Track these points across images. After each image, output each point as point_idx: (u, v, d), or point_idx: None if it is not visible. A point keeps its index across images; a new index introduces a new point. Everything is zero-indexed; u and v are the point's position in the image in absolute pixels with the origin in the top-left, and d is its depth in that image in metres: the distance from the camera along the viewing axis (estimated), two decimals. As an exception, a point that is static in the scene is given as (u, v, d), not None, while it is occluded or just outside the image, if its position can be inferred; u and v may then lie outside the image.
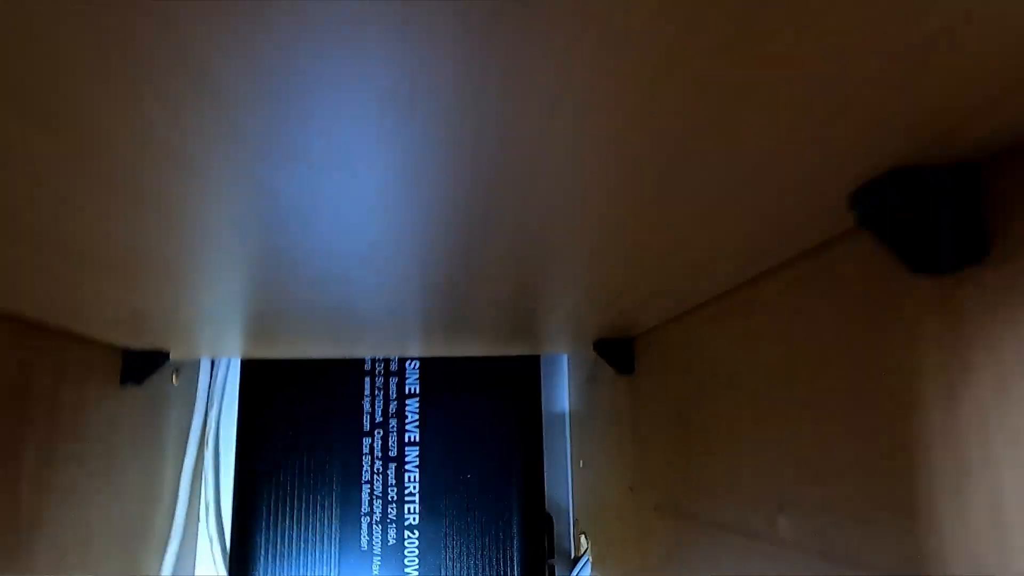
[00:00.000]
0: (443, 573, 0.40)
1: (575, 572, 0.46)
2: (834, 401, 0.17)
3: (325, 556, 0.40)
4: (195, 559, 0.47)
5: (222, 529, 0.46)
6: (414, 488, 0.41)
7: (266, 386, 0.42)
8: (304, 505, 0.40)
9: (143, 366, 0.35)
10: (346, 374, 0.42)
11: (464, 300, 0.27)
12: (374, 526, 0.40)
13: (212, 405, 0.46)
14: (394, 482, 0.41)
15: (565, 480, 0.52)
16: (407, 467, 0.41)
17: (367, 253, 0.19)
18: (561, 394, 0.53)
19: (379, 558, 0.40)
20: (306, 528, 0.40)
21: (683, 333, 0.29)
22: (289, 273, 0.21)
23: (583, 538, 0.47)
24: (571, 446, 0.52)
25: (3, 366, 0.26)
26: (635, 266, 0.21)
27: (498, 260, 0.20)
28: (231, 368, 0.46)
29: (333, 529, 0.40)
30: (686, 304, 0.27)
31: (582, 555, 0.46)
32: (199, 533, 0.47)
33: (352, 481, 0.41)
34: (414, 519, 0.41)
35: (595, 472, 0.45)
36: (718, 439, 0.25)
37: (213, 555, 0.46)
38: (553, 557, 0.44)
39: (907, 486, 0.15)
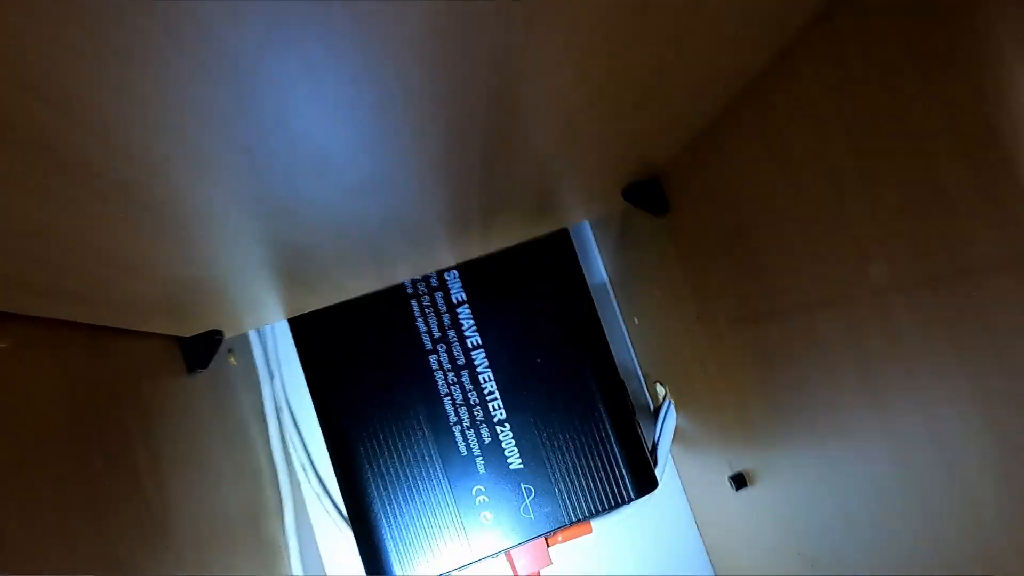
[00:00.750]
0: (544, 454, 0.42)
1: (661, 420, 0.47)
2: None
3: (432, 472, 0.41)
4: (310, 520, 0.49)
5: (325, 486, 0.48)
6: (492, 387, 0.42)
7: (321, 338, 0.42)
8: (395, 434, 0.41)
9: (202, 350, 0.35)
10: (391, 303, 0.43)
11: (498, 182, 0.27)
12: (467, 431, 0.42)
13: (273, 374, 0.47)
14: (471, 387, 0.42)
15: (624, 343, 0.53)
16: (479, 369, 0.42)
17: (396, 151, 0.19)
18: (594, 264, 0.53)
19: (481, 458, 0.42)
20: (405, 454, 0.41)
21: (713, 154, 0.29)
22: (318, 191, 0.21)
23: (658, 387, 0.49)
24: (619, 309, 0.53)
25: (94, 372, 0.26)
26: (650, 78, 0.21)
27: (527, 130, 0.20)
28: (279, 335, 0.46)
29: (430, 447, 0.41)
30: (705, 122, 0.27)
31: (662, 403, 0.48)
32: (305, 495, 0.49)
33: (432, 398, 0.42)
34: (501, 414, 0.42)
35: (652, 321, 0.46)
36: (778, 235, 0.25)
37: (326, 509, 0.47)
38: (635, 415, 0.45)
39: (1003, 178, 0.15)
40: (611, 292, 0.53)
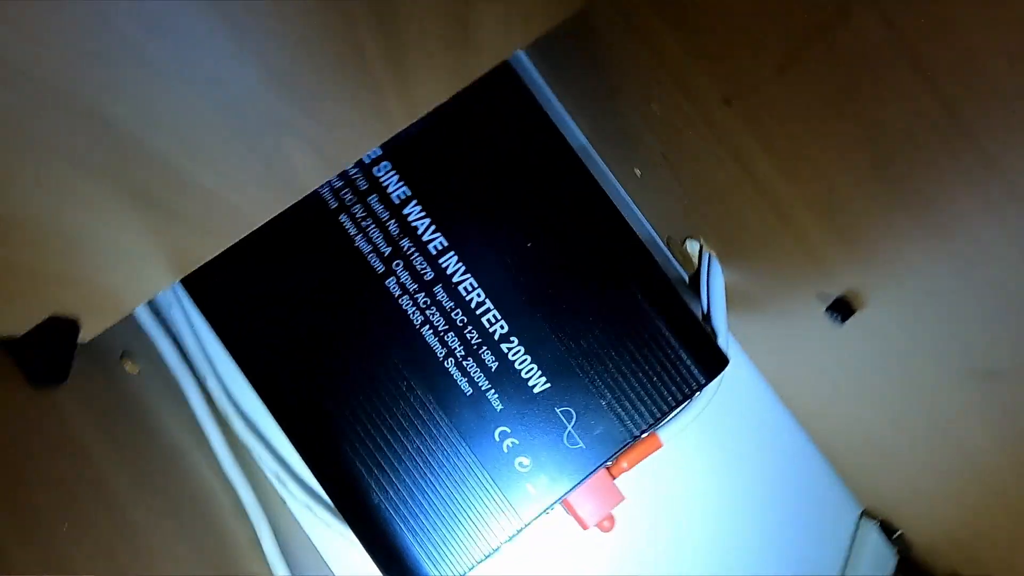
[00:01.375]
0: (574, 363, 0.31)
1: (705, 281, 0.36)
2: None
3: (434, 431, 0.30)
4: (308, 536, 0.38)
5: (310, 489, 0.37)
6: (479, 295, 0.31)
7: (235, 297, 0.31)
8: (371, 399, 0.30)
9: (48, 351, 0.24)
10: (315, 227, 0.31)
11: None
12: (464, 363, 0.31)
13: (206, 376, 0.36)
14: (452, 303, 0.31)
15: (627, 208, 0.42)
16: (455, 279, 0.31)
17: None
18: (554, 110, 0.42)
19: (493, 391, 0.31)
20: (391, 420, 0.30)
21: None
22: None
23: (690, 245, 0.38)
24: (608, 168, 0.42)
25: None
26: None
27: None
28: (192, 315, 0.35)
29: (422, 399, 0.30)
30: None
31: (701, 262, 0.37)
32: (292, 508, 0.38)
33: (405, 335, 0.31)
34: (502, 327, 0.31)
35: (662, 158, 0.35)
36: None
37: (326, 523, 0.36)
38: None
39: None
40: (591, 151, 0.42)
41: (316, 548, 0.38)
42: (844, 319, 0.27)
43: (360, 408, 0.30)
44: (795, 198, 0.26)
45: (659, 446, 0.34)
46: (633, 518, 0.40)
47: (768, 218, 0.28)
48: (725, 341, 0.36)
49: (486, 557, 0.31)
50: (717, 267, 0.36)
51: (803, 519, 0.40)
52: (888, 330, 0.26)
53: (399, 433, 0.30)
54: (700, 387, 0.32)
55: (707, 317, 0.36)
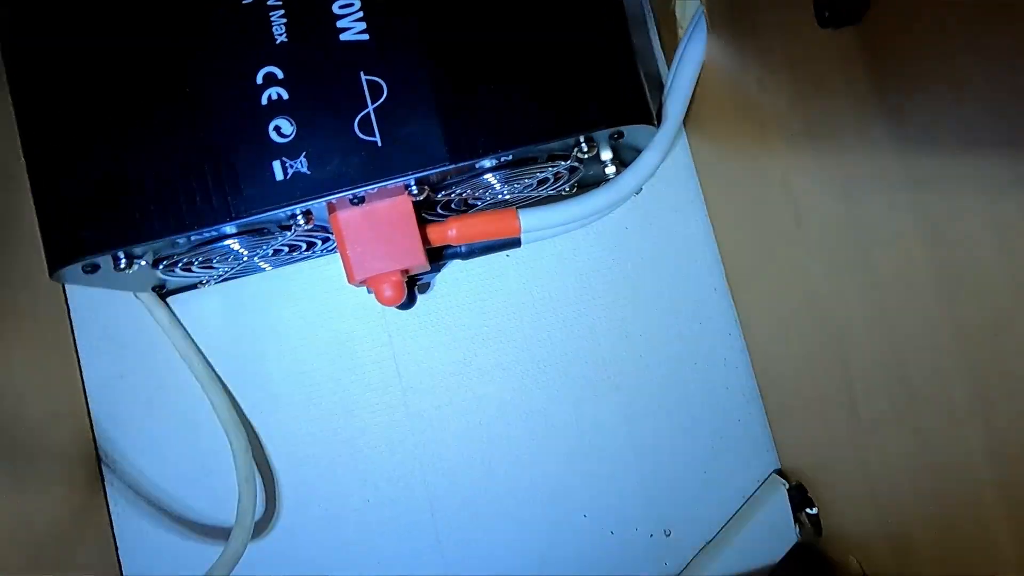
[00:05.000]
0: (414, 19, 0.20)
1: (681, 50, 0.25)
2: None
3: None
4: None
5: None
6: None
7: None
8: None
9: None
10: None
11: None
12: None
13: None
14: None
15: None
16: None
17: None
18: None
19: (280, 12, 0.20)
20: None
21: None
22: None
23: (679, 6, 0.26)
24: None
25: None
26: None
27: None
28: None
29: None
30: None
31: (690, 21, 0.25)
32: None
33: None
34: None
35: None
36: None
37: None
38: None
39: None
40: None
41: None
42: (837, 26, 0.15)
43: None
44: None
45: (516, 229, 0.23)
46: (443, 310, 0.29)
47: None
48: (672, 128, 0.24)
49: (190, 254, 0.20)
50: (702, 33, 0.24)
51: (705, 403, 0.29)
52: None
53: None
54: (595, 126, 0.20)
55: (665, 89, 0.25)
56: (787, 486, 0.27)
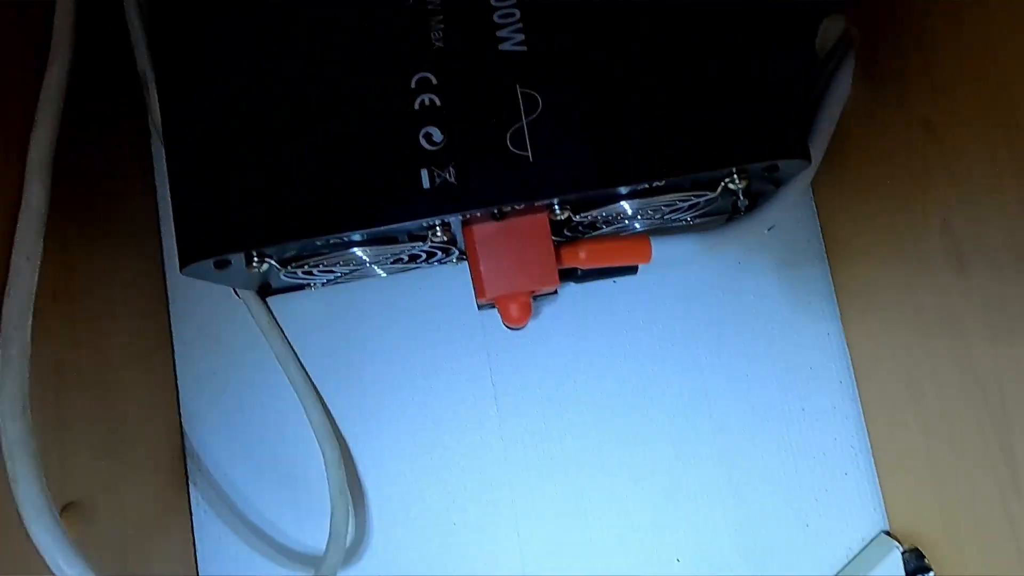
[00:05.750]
0: (574, 32, 0.19)
1: (831, 70, 0.23)
2: None
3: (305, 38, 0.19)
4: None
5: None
6: None
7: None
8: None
9: None
10: None
11: None
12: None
13: None
14: None
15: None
16: None
17: None
18: None
19: (439, 18, 0.19)
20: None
21: None
22: None
23: (827, 23, 0.25)
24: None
25: None
26: None
27: None
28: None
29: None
30: None
31: (837, 46, 0.24)
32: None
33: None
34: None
35: None
36: None
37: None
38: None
39: None
40: None
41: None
42: None
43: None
44: None
45: (647, 257, 0.22)
46: (546, 331, 0.28)
47: None
48: (816, 165, 0.23)
49: (316, 256, 0.20)
50: (851, 61, 0.23)
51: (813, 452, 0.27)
52: None
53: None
54: (756, 158, 0.19)
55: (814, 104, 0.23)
56: (901, 549, 0.25)
